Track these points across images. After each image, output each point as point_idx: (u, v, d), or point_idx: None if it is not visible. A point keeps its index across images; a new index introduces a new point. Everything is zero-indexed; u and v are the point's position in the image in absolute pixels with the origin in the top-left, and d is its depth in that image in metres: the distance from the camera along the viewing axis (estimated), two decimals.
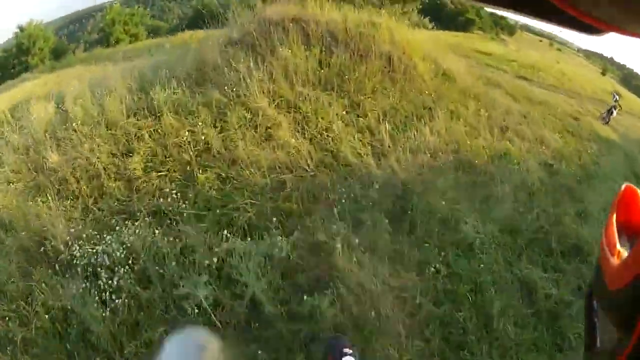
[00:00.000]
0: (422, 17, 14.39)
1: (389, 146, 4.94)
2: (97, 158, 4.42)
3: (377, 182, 4.34)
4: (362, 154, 4.76)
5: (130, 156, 4.51)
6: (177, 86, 5.16)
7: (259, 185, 4.19)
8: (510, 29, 22.50)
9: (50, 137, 4.79)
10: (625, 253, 0.37)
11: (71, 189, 4.26)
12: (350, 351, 1.26)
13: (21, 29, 9.53)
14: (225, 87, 5.16)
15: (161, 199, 4.03)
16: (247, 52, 5.60)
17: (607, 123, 9.14)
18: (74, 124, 4.81)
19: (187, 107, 4.99)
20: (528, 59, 14.56)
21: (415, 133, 5.22)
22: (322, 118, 5.05)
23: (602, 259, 0.39)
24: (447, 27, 18.06)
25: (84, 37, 11.54)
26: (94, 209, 4.09)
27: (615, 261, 0.37)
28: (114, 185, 4.27)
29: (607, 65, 18.66)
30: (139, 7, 11.74)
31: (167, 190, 4.10)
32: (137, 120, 4.89)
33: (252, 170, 4.30)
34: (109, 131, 4.77)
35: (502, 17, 21.97)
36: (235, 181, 4.26)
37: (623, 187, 0.41)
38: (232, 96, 5.09)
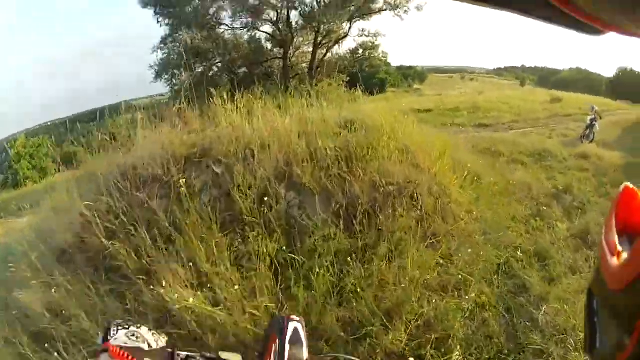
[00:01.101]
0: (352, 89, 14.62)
1: None
2: None
3: None
4: None
5: None
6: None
7: None
8: (420, 76, 22.49)
9: None
10: (625, 253, 0.37)
11: None
12: (298, 318, 1.26)
13: None
14: None
15: None
16: None
17: (592, 140, 8.58)
18: None
19: None
20: (466, 103, 14.51)
21: None
22: None
23: (602, 259, 0.39)
24: (370, 93, 17.83)
25: None
26: None
27: (615, 261, 0.37)
28: None
29: (520, 74, 19.17)
30: (44, 136, 10.18)
31: None
32: None
33: None
34: None
35: (409, 67, 22.24)
36: None
37: (622, 187, 0.41)
38: None
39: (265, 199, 3.58)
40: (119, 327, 0.80)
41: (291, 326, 1.21)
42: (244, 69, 14.86)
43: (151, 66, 14.53)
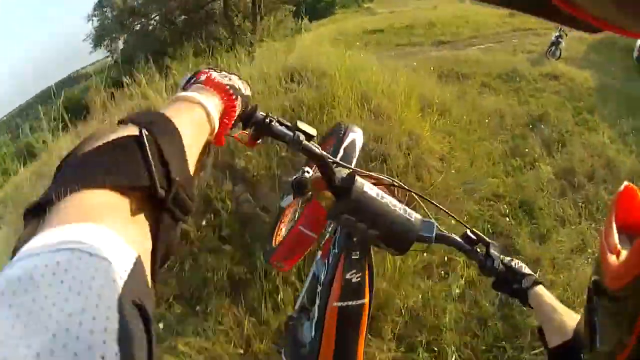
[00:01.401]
0: (298, 20, 13.70)
1: None
2: None
3: None
4: None
5: None
6: None
7: None
8: None
9: None
10: (624, 252, 0.37)
11: None
12: (358, 130, 1.26)
13: None
14: None
15: None
16: None
17: (559, 57, 8.29)
18: None
19: None
20: (421, 19, 13.66)
21: None
22: None
23: (602, 259, 0.39)
24: (316, 18, 16.61)
25: None
26: None
27: (615, 261, 0.37)
28: None
29: None
30: None
31: None
32: None
33: None
34: None
35: None
36: None
37: (622, 186, 0.42)
38: None
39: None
40: (213, 69, 0.68)
41: (351, 136, 1.20)
42: (184, 17, 13.68)
43: (88, 36, 14.00)
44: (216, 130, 0.59)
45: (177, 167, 0.39)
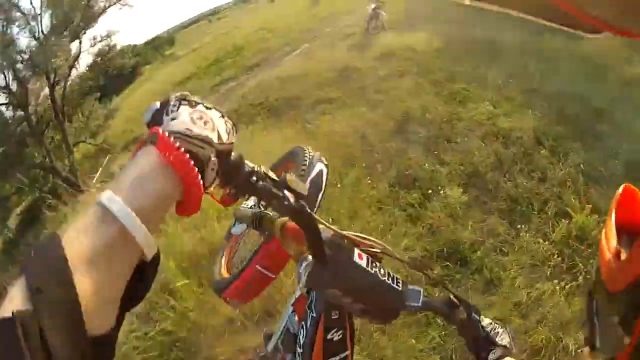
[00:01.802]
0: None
1: None
2: None
3: None
4: None
5: None
6: None
7: None
8: (169, 40, 22.57)
9: None
10: (625, 253, 0.37)
11: None
12: (325, 161, 1.07)
13: None
14: None
15: None
16: None
17: (380, 30, 7.58)
18: None
19: None
20: (225, 48, 12.64)
21: None
22: None
23: (602, 259, 0.39)
24: (122, 88, 16.95)
25: None
26: None
27: (615, 261, 0.37)
28: None
29: None
30: None
31: None
32: None
33: None
34: None
35: (154, 38, 21.80)
36: None
37: (622, 187, 0.42)
38: None
39: None
40: (182, 102, 0.53)
41: (318, 167, 1.03)
42: None
43: None
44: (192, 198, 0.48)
45: (66, 347, 0.35)
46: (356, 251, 0.75)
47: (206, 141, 0.50)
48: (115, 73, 15.39)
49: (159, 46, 20.66)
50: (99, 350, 0.38)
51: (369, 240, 0.81)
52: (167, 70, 15.88)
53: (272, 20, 12.51)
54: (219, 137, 0.53)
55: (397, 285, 0.76)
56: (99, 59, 13.50)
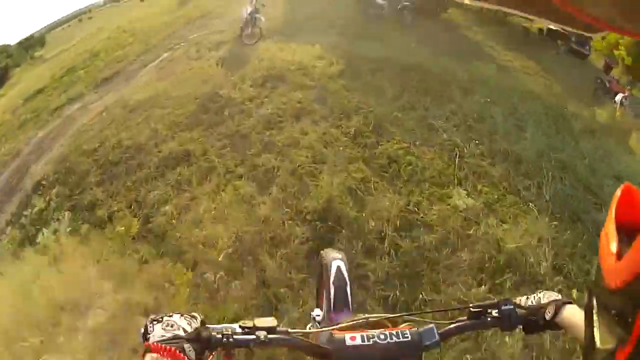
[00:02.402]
0: None
1: None
2: None
3: None
4: None
5: None
6: None
7: None
8: (40, 41, 20.69)
9: None
10: (625, 253, 0.37)
11: None
12: (340, 256, 1.34)
13: None
14: None
15: None
16: None
17: (257, 39, 6.55)
18: None
19: None
20: (84, 53, 10.86)
21: None
22: None
23: (602, 259, 0.40)
24: None
25: None
26: None
27: (615, 261, 0.38)
28: None
29: None
30: None
31: None
32: None
33: None
34: None
35: (27, 38, 20.40)
36: None
37: (622, 186, 0.42)
38: None
39: None
40: (154, 322, 0.75)
41: (334, 265, 1.25)
42: None
43: None
44: None
45: None
46: (347, 336, 0.81)
47: (177, 337, 0.73)
48: None
49: (29, 47, 18.63)
50: None
51: (366, 317, 0.91)
52: (34, 73, 13.64)
53: (137, 20, 11.02)
54: (184, 330, 0.75)
55: (404, 337, 0.80)
56: None
